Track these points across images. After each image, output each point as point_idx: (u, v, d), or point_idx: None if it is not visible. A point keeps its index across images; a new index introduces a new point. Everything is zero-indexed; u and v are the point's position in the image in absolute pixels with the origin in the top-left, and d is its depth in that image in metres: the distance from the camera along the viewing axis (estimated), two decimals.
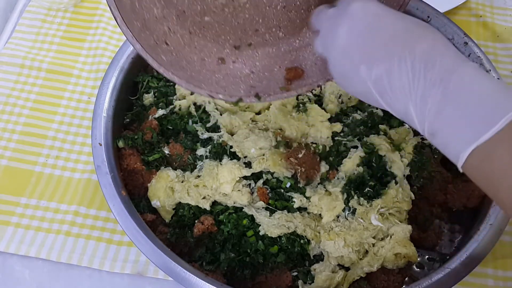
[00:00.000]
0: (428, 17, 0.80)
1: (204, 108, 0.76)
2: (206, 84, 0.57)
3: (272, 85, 0.59)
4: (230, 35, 0.59)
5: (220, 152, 0.72)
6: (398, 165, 0.70)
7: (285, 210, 0.69)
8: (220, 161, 0.71)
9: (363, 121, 0.75)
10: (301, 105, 0.76)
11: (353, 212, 0.68)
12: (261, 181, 0.70)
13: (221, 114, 0.75)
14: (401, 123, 0.74)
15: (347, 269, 0.67)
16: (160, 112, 0.76)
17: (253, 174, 0.70)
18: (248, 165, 0.71)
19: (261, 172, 0.70)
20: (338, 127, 0.74)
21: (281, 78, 0.60)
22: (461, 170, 0.44)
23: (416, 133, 0.74)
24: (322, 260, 0.67)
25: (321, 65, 0.59)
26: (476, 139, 0.41)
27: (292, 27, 0.60)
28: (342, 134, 0.74)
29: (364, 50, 0.47)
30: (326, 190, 0.70)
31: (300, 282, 0.66)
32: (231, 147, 0.72)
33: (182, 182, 0.70)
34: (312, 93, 0.78)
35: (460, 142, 0.42)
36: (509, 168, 0.41)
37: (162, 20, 0.56)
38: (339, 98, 0.77)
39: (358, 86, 0.49)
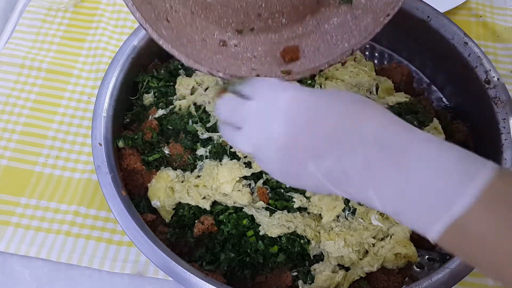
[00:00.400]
0: (428, 17, 0.80)
1: (204, 108, 0.76)
2: (206, 62, 0.56)
3: (274, 69, 0.59)
4: (233, 18, 0.59)
5: (220, 152, 0.72)
6: None
7: (285, 210, 0.69)
8: (220, 161, 0.71)
9: None
10: None
11: (353, 212, 0.68)
12: (261, 181, 0.70)
13: None
14: None
15: (347, 269, 0.67)
16: (160, 112, 0.76)
17: (253, 174, 0.70)
18: (248, 165, 0.71)
19: (261, 172, 0.70)
20: None
21: (283, 63, 0.59)
22: (432, 242, 0.42)
23: None
24: (322, 260, 0.67)
25: (324, 51, 0.58)
26: (440, 217, 0.39)
27: (295, 13, 0.60)
28: None
29: (309, 147, 0.44)
30: None
31: (300, 282, 0.66)
32: (231, 147, 0.72)
33: (182, 182, 0.70)
34: None
35: (425, 224, 0.40)
36: (487, 243, 0.38)
37: None
38: None
39: (307, 181, 0.46)
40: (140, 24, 0.52)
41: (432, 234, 0.40)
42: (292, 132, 0.45)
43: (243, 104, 0.49)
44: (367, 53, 0.91)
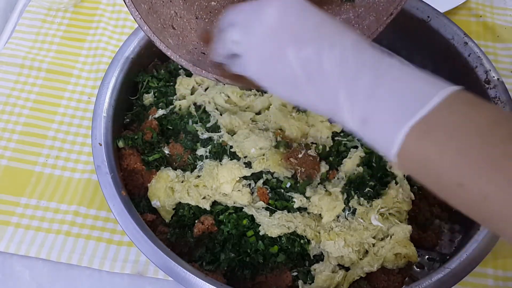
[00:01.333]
0: (428, 17, 0.79)
1: (204, 108, 0.76)
2: (212, 68, 0.56)
3: None
4: None
5: (220, 152, 0.72)
6: None
7: (285, 210, 0.69)
8: (220, 161, 0.71)
9: None
10: None
11: (353, 212, 0.68)
12: (261, 181, 0.70)
13: (221, 114, 0.75)
14: None
15: (347, 269, 0.67)
16: (160, 112, 0.76)
17: (253, 174, 0.70)
18: (248, 165, 0.71)
19: (261, 172, 0.70)
20: (338, 127, 0.74)
21: None
22: (394, 160, 0.41)
23: None
24: (322, 260, 0.67)
25: None
26: (411, 116, 0.39)
27: None
28: (342, 134, 0.74)
29: (294, 31, 0.45)
30: (326, 190, 0.70)
31: (300, 282, 0.66)
32: (231, 147, 0.72)
33: (182, 182, 0.70)
34: None
35: (394, 125, 0.40)
36: (446, 150, 0.39)
37: (168, 4, 0.56)
38: None
39: (282, 72, 0.46)
40: (148, 36, 0.52)
41: (397, 141, 0.40)
42: (283, 15, 0.46)
43: (240, 4, 0.50)
44: None
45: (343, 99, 0.43)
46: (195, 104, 0.77)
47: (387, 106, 0.41)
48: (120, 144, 0.72)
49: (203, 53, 0.57)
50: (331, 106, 0.44)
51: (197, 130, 0.74)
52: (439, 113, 0.39)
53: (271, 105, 0.76)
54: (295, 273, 0.66)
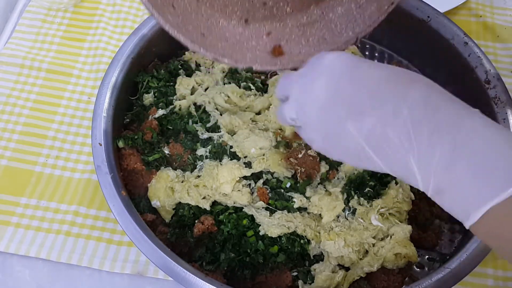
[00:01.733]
0: (428, 17, 0.80)
1: (204, 108, 0.76)
2: (211, 48, 0.56)
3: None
4: (238, 7, 0.59)
5: (220, 152, 0.72)
6: None
7: (285, 210, 0.69)
8: (220, 161, 0.71)
9: None
10: None
11: (353, 212, 0.68)
12: (261, 181, 0.70)
13: (221, 114, 0.75)
14: None
15: (347, 269, 0.67)
16: (160, 112, 0.76)
17: (253, 174, 0.70)
18: (248, 165, 0.71)
19: (261, 172, 0.70)
20: None
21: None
22: (468, 228, 0.39)
23: None
24: (322, 260, 0.67)
25: (329, 39, 0.59)
26: (492, 198, 0.36)
27: (300, 2, 0.60)
28: None
29: (350, 103, 0.41)
30: (326, 190, 0.70)
31: (300, 282, 0.66)
32: (231, 147, 0.72)
33: (182, 182, 0.70)
34: None
35: (474, 200, 0.37)
36: None
37: None
38: None
39: (347, 146, 0.43)
40: (147, 8, 0.52)
41: (474, 218, 0.37)
42: (334, 86, 0.42)
43: (292, 74, 0.48)
44: (367, 53, 0.91)
45: (415, 168, 0.39)
46: (195, 104, 0.77)
47: (467, 181, 0.37)
48: (120, 144, 0.72)
49: (203, 34, 0.57)
50: (402, 173, 0.41)
51: (197, 130, 0.74)
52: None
53: (271, 105, 0.76)
54: (295, 273, 0.66)
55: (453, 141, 0.37)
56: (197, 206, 0.69)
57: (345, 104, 0.42)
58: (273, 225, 0.67)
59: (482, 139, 0.37)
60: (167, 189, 0.70)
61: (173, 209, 0.71)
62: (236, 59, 0.57)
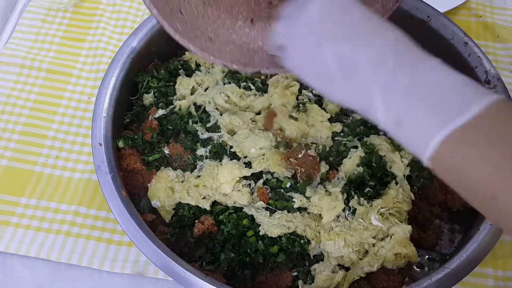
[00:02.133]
0: (428, 17, 0.80)
1: (204, 108, 0.76)
2: (219, 54, 0.57)
3: None
4: (244, 7, 0.60)
5: (220, 152, 0.72)
6: (398, 165, 0.70)
7: (285, 210, 0.69)
8: (220, 161, 0.71)
9: (363, 121, 0.75)
10: (301, 105, 0.76)
11: (353, 212, 0.68)
12: (261, 181, 0.70)
13: (221, 114, 0.75)
14: None
15: (347, 269, 0.67)
16: (160, 112, 0.76)
17: (253, 174, 0.70)
18: (248, 165, 0.71)
19: (261, 172, 0.70)
20: (338, 127, 0.75)
21: None
22: (426, 163, 0.41)
23: None
24: (322, 260, 0.67)
25: None
26: (448, 122, 0.38)
27: None
28: (342, 134, 0.74)
29: (333, 27, 0.45)
30: (326, 190, 0.70)
31: (300, 282, 0.66)
32: (231, 147, 0.72)
33: (182, 182, 0.70)
34: (312, 93, 0.78)
35: (430, 128, 0.39)
36: (481, 160, 0.38)
37: None
38: None
39: (318, 66, 0.46)
40: (157, 20, 0.53)
41: (431, 146, 0.39)
42: (324, 9, 0.46)
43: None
44: None
45: (377, 99, 0.42)
46: (195, 104, 0.77)
47: (423, 109, 0.40)
48: (120, 144, 0.72)
49: (210, 38, 0.57)
50: (365, 104, 0.44)
51: (197, 130, 0.74)
52: (478, 122, 0.38)
53: (271, 105, 0.76)
54: (295, 273, 0.66)
55: (412, 75, 0.41)
56: (197, 206, 0.69)
57: (328, 27, 0.45)
58: (273, 225, 0.67)
59: (439, 74, 0.41)
60: (167, 189, 0.70)
61: (173, 209, 0.71)
62: (245, 63, 0.57)
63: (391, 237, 0.66)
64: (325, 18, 0.46)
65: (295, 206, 0.69)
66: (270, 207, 0.69)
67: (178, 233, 0.69)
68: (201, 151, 0.72)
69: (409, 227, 0.67)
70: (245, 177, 0.70)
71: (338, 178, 0.71)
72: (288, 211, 0.69)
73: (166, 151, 0.73)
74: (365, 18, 0.46)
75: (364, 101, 0.44)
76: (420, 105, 0.40)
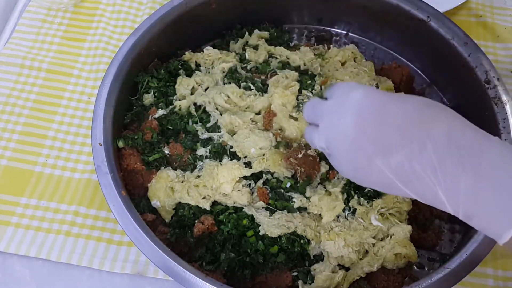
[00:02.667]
0: (428, 17, 0.79)
1: (204, 108, 0.76)
2: None
3: None
4: None
5: (220, 152, 0.72)
6: None
7: (285, 210, 0.69)
8: (220, 161, 0.71)
9: None
10: (301, 105, 0.76)
11: (353, 212, 0.68)
12: (261, 181, 0.70)
13: (221, 114, 0.75)
14: None
15: (347, 269, 0.67)
16: (160, 112, 0.76)
17: (253, 174, 0.70)
18: (248, 165, 0.71)
19: (261, 172, 0.70)
20: None
21: None
22: (501, 244, 0.43)
23: None
24: (322, 260, 0.67)
25: None
26: None
27: None
28: None
29: (378, 140, 0.44)
30: (326, 190, 0.70)
31: (300, 282, 0.66)
32: (231, 147, 0.72)
33: (182, 182, 0.70)
34: (312, 93, 0.78)
35: (501, 224, 0.41)
36: None
37: None
38: None
39: (377, 178, 0.46)
40: None
41: (505, 237, 0.41)
42: (361, 125, 0.45)
43: (321, 104, 0.51)
44: (367, 53, 0.91)
45: (443, 198, 0.43)
46: (195, 104, 0.77)
47: (490, 208, 0.41)
48: (120, 144, 0.72)
49: None
50: (431, 201, 0.45)
51: (197, 130, 0.74)
52: None
53: (271, 105, 0.76)
54: (295, 273, 0.66)
55: (475, 173, 0.41)
56: (197, 206, 0.69)
57: (372, 142, 0.45)
58: (273, 225, 0.67)
59: (502, 168, 0.41)
60: (167, 189, 0.70)
61: (173, 209, 0.71)
62: None
63: (391, 237, 0.66)
64: (364, 133, 0.45)
65: (295, 206, 0.69)
66: (270, 207, 0.69)
67: (178, 233, 0.69)
68: (201, 151, 0.72)
69: (409, 227, 0.67)
70: (245, 177, 0.70)
71: (338, 178, 0.71)
72: (288, 211, 0.69)
73: (166, 151, 0.73)
74: (406, 117, 0.44)
75: (430, 200, 0.44)
76: (486, 204, 0.41)
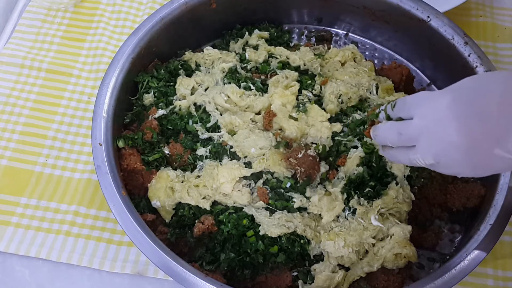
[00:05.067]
0: (428, 17, 0.80)
1: (204, 108, 0.76)
2: None
3: None
4: None
5: (220, 152, 0.72)
6: (399, 165, 0.70)
7: (285, 210, 0.69)
8: (220, 161, 0.71)
9: (363, 121, 0.75)
10: (301, 105, 0.76)
11: (353, 212, 0.68)
12: (261, 181, 0.70)
13: (221, 114, 0.75)
14: None
15: (347, 269, 0.67)
16: (160, 112, 0.76)
17: (253, 174, 0.70)
18: (248, 165, 0.71)
19: (261, 172, 0.70)
20: (338, 127, 0.74)
21: None
22: None
23: None
24: (322, 260, 0.67)
25: None
26: None
27: None
28: (342, 134, 0.74)
29: (487, 134, 0.45)
30: (326, 190, 0.70)
31: (300, 282, 0.66)
32: (231, 147, 0.72)
33: (182, 182, 0.70)
34: (312, 93, 0.78)
35: None
36: None
37: None
38: (339, 98, 0.77)
39: (499, 165, 0.47)
40: None
41: None
42: (469, 130, 0.46)
43: (408, 126, 0.52)
44: (367, 53, 0.91)
45: None
46: (195, 104, 0.77)
47: None
48: (120, 144, 0.72)
49: None
50: None
51: (197, 130, 0.74)
52: None
53: (271, 105, 0.76)
54: (295, 273, 0.66)
55: None
56: (197, 206, 0.69)
57: (483, 138, 0.46)
58: (273, 225, 0.67)
59: None
60: (167, 189, 0.70)
61: (173, 209, 0.71)
62: None
63: (391, 237, 0.66)
64: (471, 132, 0.46)
65: (295, 206, 0.69)
66: (270, 207, 0.69)
67: (178, 233, 0.69)
68: (201, 151, 0.72)
69: (409, 227, 0.67)
70: (245, 177, 0.70)
71: (338, 178, 0.71)
72: (288, 211, 0.69)
73: (166, 151, 0.73)
74: (500, 98, 0.45)
75: None
76: None
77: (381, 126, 0.57)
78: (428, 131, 0.49)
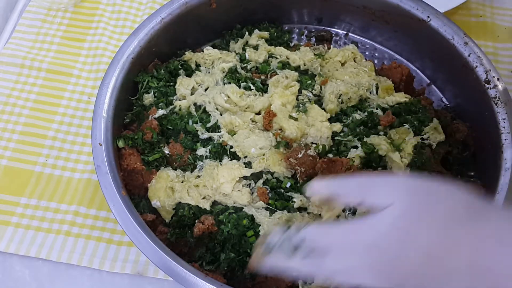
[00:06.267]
0: (428, 17, 0.80)
1: (204, 108, 0.76)
2: None
3: None
4: None
5: (220, 152, 0.72)
6: (398, 165, 0.70)
7: (285, 210, 0.69)
8: (220, 161, 0.71)
9: (363, 121, 0.75)
10: (301, 105, 0.76)
11: (354, 212, 0.68)
12: (261, 181, 0.70)
13: (221, 114, 0.75)
14: (401, 123, 0.74)
15: None
16: (160, 112, 0.76)
17: (253, 174, 0.70)
18: (248, 165, 0.71)
19: (261, 172, 0.70)
20: (338, 127, 0.74)
21: None
22: None
23: (416, 133, 0.74)
24: None
25: None
26: None
27: None
28: (342, 134, 0.74)
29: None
30: None
31: (300, 282, 0.66)
32: (231, 147, 0.72)
33: (182, 182, 0.70)
34: (312, 93, 0.78)
35: None
36: None
37: None
38: (339, 98, 0.77)
39: None
40: None
41: None
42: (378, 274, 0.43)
43: (322, 265, 0.45)
44: (367, 53, 0.91)
45: None
46: (195, 104, 0.77)
47: None
48: (120, 144, 0.72)
49: None
50: None
51: (197, 130, 0.74)
52: None
53: (271, 105, 0.76)
54: None
55: None
56: (197, 206, 0.69)
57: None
58: (273, 225, 0.67)
59: None
60: (167, 189, 0.70)
61: (173, 209, 0.71)
62: None
63: None
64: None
65: (295, 206, 0.69)
66: (270, 207, 0.69)
67: (178, 233, 0.69)
68: (201, 151, 0.72)
69: None
70: (245, 177, 0.70)
71: None
72: (288, 211, 0.69)
73: (166, 151, 0.73)
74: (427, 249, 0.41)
75: None
76: None
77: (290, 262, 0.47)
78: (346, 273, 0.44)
